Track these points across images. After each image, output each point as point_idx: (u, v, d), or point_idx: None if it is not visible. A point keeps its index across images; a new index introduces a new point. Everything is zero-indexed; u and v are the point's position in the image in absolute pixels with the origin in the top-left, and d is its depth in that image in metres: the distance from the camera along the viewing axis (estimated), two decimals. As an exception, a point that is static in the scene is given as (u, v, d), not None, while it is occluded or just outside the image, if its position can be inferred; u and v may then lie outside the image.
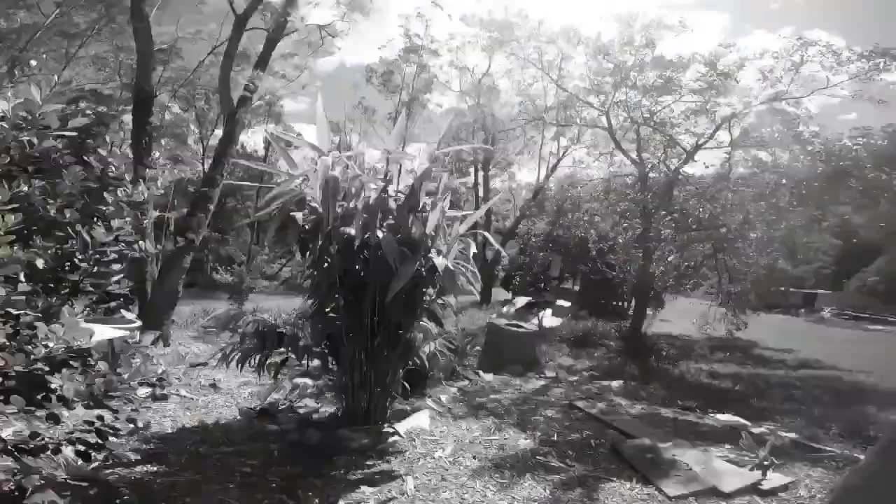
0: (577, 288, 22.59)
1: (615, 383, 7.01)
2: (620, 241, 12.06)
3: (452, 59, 21.12)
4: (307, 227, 3.56)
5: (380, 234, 3.31)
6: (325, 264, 3.66)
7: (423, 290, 3.72)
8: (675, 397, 6.28)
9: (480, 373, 7.17)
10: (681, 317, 18.17)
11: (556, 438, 4.16)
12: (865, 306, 40.58)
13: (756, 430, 4.48)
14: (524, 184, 29.37)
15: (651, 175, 11.98)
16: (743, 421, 5.12)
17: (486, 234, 6.09)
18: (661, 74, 11.40)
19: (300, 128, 32.49)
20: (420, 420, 4.23)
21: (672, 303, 15.33)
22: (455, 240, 3.61)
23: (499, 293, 24.09)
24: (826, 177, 9.43)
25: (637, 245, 11.16)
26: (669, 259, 11.62)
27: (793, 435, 4.41)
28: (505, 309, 16.45)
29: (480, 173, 23.15)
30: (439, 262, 3.30)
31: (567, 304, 16.60)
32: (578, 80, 13.71)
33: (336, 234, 3.40)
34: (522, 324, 8.28)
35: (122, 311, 3.86)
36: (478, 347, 8.21)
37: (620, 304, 18.05)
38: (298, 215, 3.53)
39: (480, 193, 22.65)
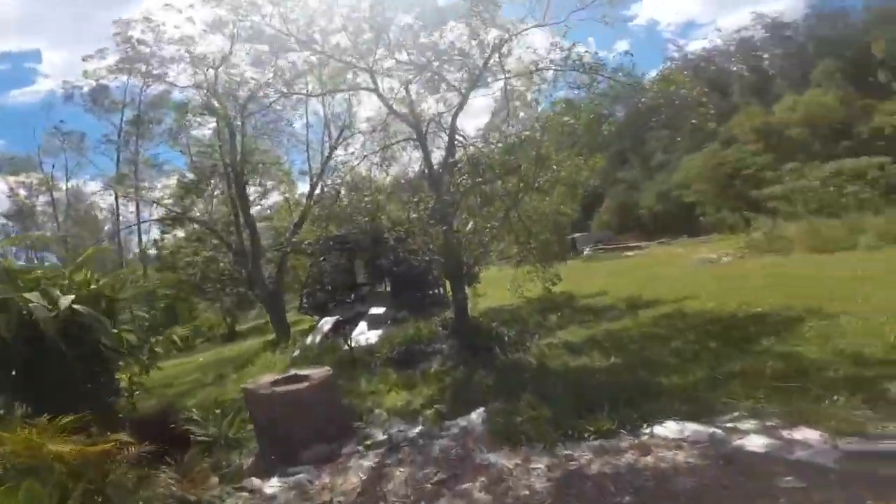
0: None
1: (475, 416, 4.58)
2: (415, 218, 9.87)
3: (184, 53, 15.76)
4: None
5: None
6: None
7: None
8: (567, 412, 4.14)
9: (255, 481, 3.99)
10: (493, 286, 17.59)
11: None
12: (608, 238, 49.27)
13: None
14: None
15: (432, 133, 10.07)
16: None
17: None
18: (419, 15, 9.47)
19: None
20: None
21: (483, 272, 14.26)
22: None
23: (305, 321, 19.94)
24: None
25: (433, 220, 9.08)
26: (469, 226, 9.99)
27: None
28: (310, 339, 12.99)
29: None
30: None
31: (381, 310, 13.94)
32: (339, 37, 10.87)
33: None
34: (305, 371, 5.12)
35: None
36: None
37: (437, 291, 16.27)
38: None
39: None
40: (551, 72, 9.18)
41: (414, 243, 10.27)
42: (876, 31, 52.38)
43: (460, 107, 9.64)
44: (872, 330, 5.16)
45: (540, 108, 10.80)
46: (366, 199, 11.05)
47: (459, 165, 8.98)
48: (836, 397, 3.71)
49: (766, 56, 61.40)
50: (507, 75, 9.81)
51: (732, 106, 57.23)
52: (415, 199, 10.11)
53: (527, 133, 8.69)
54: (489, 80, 10.00)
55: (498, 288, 15.50)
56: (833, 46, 54.32)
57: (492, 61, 9.14)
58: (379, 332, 11.71)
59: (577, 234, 49.52)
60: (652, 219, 55.57)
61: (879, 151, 39.25)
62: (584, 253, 39.26)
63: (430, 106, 10.80)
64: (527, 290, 13.22)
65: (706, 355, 5.32)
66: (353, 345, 9.95)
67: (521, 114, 11.14)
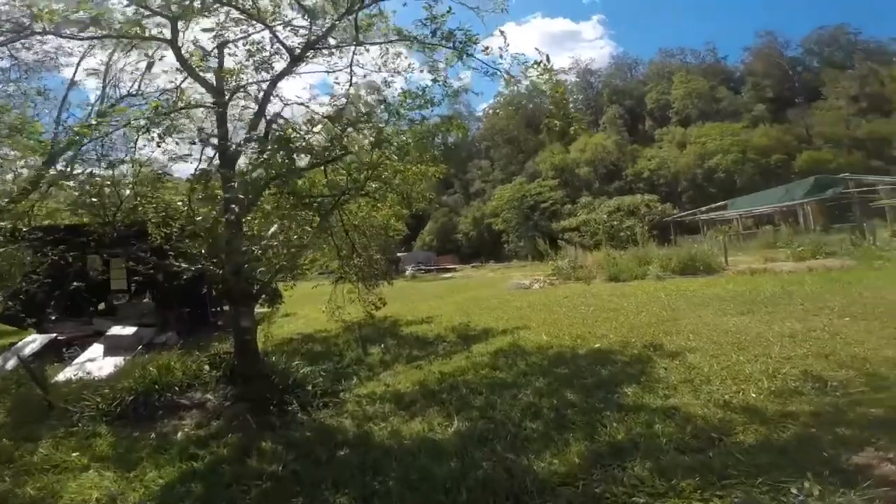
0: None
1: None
2: (199, 214, 7.08)
3: None
4: None
5: None
6: None
7: None
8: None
9: None
10: (308, 304, 15.04)
11: None
12: (430, 259, 50.34)
13: None
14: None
15: (239, 103, 7.52)
16: None
17: None
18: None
19: None
20: None
21: (290, 288, 11.78)
22: None
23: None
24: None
25: (224, 217, 6.53)
26: (272, 230, 7.60)
27: None
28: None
29: None
30: None
31: (130, 330, 10.14)
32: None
33: None
34: None
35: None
36: None
37: (220, 309, 12.99)
38: None
39: None
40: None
41: (194, 246, 7.35)
42: (651, 83, 66.15)
43: (285, 72, 7.29)
44: (731, 370, 4.69)
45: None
46: (127, 182, 7.70)
47: (268, 147, 6.61)
48: (795, 484, 2.67)
49: (572, 99, 72.35)
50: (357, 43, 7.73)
51: (541, 142, 65.51)
52: (201, 196, 7.25)
53: (365, 114, 6.82)
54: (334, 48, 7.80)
55: (314, 306, 13.21)
56: (620, 95, 66.70)
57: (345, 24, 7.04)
58: (119, 360, 8.30)
59: (401, 254, 49.45)
60: (467, 243, 59.26)
61: (639, 191, 48.76)
62: (407, 273, 39.00)
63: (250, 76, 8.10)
64: (346, 312, 11.34)
65: (572, 415, 4.14)
66: (60, 380, 6.57)
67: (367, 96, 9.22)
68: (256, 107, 7.26)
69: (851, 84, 56.47)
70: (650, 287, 11.98)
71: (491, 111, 76.31)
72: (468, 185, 67.68)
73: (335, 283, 11.80)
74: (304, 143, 6.48)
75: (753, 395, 4.01)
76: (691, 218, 33.33)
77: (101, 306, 13.39)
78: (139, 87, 13.07)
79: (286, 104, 6.96)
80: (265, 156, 6.17)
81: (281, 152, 6.16)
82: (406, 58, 7.54)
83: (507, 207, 54.08)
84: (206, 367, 6.74)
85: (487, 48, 6.14)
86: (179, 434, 4.96)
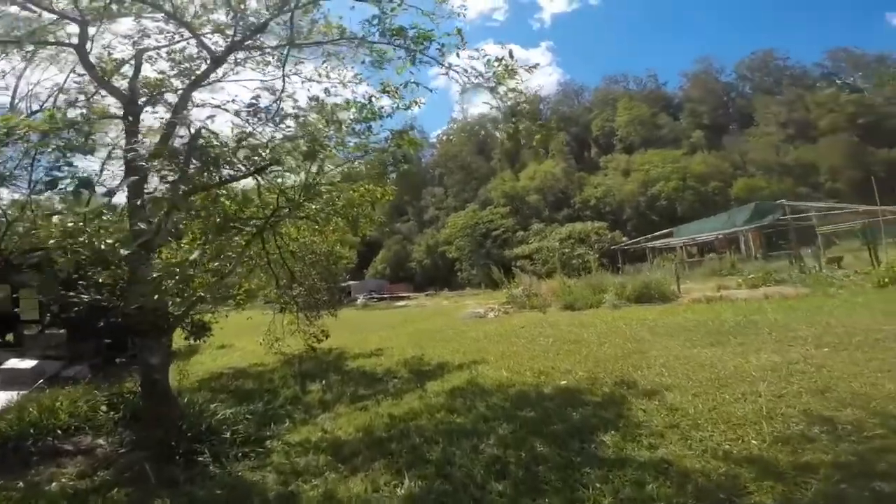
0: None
1: None
2: (104, 241, 5.97)
3: None
4: None
5: None
6: None
7: None
8: None
9: None
10: (244, 334, 13.72)
11: None
12: (383, 287, 49.12)
13: None
14: None
15: (151, 111, 6.55)
16: None
17: None
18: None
19: None
20: None
21: (223, 318, 10.59)
22: None
23: None
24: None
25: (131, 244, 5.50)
26: (193, 256, 6.58)
27: None
28: None
29: None
30: None
31: (30, 363, 8.74)
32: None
33: None
34: None
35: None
36: None
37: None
38: None
39: None
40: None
41: (103, 275, 6.19)
42: (596, 110, 68.60)
43: (203, 77, 6.41)
44: (720, 412, 4.16)
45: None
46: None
47: (179, 157, 5.67)
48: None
49: (522, 126, 73.87)
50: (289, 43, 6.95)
51: (492, 169, 66.36)
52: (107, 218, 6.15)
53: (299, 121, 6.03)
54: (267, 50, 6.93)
55: (252, 338, 12.06)
56: (567, 122, 68.80)
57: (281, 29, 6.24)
58: (13, 396, 7.13)
59: (352, 282, 47.94)
60: (421, 271, 58.41)
61: (587, 219, 49.94)
62: (359, 301, 37.75)
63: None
64: (286, 345, 10.35)
65: (545, 472, 3.44)
66: None
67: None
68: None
69: (780, 110, 60.97)
70: (608, 316, 11.66)
71: (444, 137, 77.19)
72: (422, 213, 67.37)
73: (275, 313, 10.79)
74: (227, 155, 5.63)
75: (755, 443, 3.45)
76: (637, 246, 34.26)
77: (10, 337, 12.25)
78: (55, 101, 11.74)
79: (210, 117, 6.08)
80: (181, 169, 5.28)
81: (199, 165, 5.31)
82: (352, 69, 6.87)
83: (461, 235, 54.02)
84: (104, 408, 5.66)
85: (443, 47, 5.57)
86: (54, 485, 3.96)
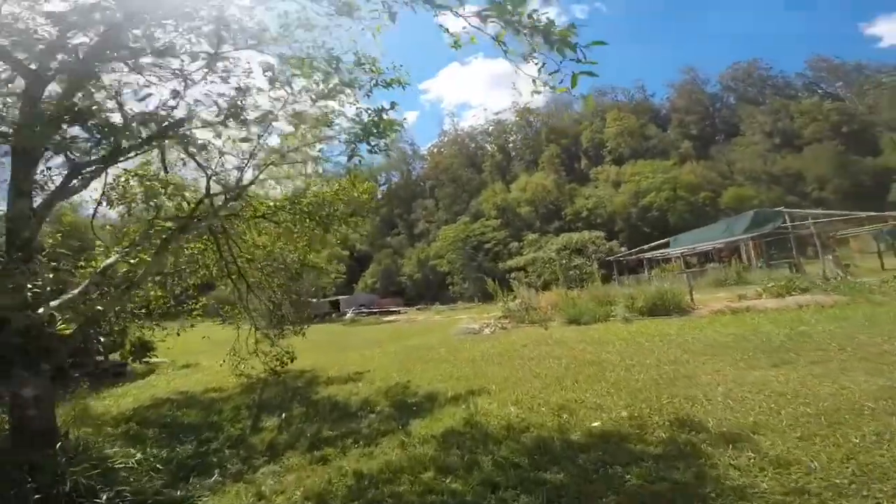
0: None
1: None
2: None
3: None
4: None
5: None
6: None
7: None
8: None
9: None
10: (217, 352, 12.07)
11: None
12: (372, 302, 47.44)
13: None
14: None
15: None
16: None
17: None
18: None
19: None
20: None
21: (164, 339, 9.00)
22: None
23: None
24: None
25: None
26: (108, 262, 5.06)
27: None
28: None
29: None
30: None
31: None
32: None
33: None
34: None
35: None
36: None
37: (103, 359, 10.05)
38: None
39: None
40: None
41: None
42: (585, 122, 68.02)
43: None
44: (866, 467, 2.70)
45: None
46: None
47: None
48: None
49: (511, 138, 72.89)
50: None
51: (483, 182, 65.25)
52: None
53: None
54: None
55: (214, 355, 10.57)
56: (558, 134, 68.01)
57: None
58: None
59: (341, 297, 46.18)
60: (412, 285, 56.66)
61: (578, 230, 48.76)
62: (347, 316, 36.26)
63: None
64: (250, 367, 8.90)
65: None
66: None
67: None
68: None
69: (766, 119, 61.08)
70: (622, 331, 10.18)
71: (435, 150, 76.19)
72: (412, 226, 65.90)
73: (237, 329, 9.26)
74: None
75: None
76: (631, 256, 33.15)
77: None
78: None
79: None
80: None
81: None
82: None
83: (452, 248, 52.52)
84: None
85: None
86: None
